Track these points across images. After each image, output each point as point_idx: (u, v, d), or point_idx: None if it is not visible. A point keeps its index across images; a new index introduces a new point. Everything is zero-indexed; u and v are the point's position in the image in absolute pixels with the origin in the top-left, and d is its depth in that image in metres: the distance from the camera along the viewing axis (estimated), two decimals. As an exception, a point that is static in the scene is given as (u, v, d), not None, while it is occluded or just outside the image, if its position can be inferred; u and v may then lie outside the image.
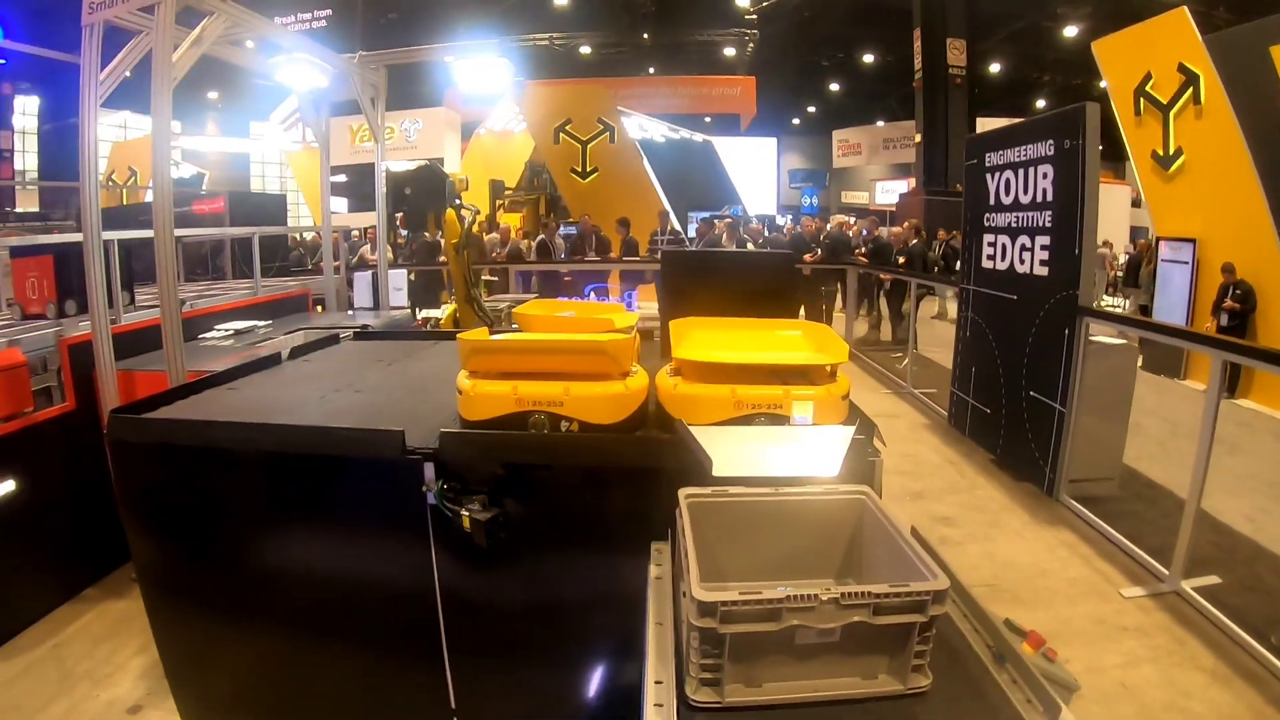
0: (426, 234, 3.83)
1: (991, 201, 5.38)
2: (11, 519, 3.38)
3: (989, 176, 5.39)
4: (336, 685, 2.20)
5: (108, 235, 3.90)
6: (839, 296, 10.33)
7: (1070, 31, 16.74)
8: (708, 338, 2.17)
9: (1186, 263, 8.14)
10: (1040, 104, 21.74)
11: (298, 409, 2.39)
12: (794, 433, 1.75)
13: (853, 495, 1.52)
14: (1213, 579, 3.69)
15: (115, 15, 3.64)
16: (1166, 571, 3.71)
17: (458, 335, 2.05)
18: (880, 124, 24.80)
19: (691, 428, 1.68)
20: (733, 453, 1.62)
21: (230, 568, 2.22)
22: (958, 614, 1.46)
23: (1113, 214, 14.17)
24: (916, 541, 1.30)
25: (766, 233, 12.01)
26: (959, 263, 8.59)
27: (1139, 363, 7.34)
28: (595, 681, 1.91)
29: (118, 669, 3.09)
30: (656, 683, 1.18)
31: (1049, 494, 4.69)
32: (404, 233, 8.25)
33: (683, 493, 1.49)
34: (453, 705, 2.04)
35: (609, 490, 1.84)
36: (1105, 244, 9.65)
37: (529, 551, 1.88)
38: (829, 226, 11.79)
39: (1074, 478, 4.63)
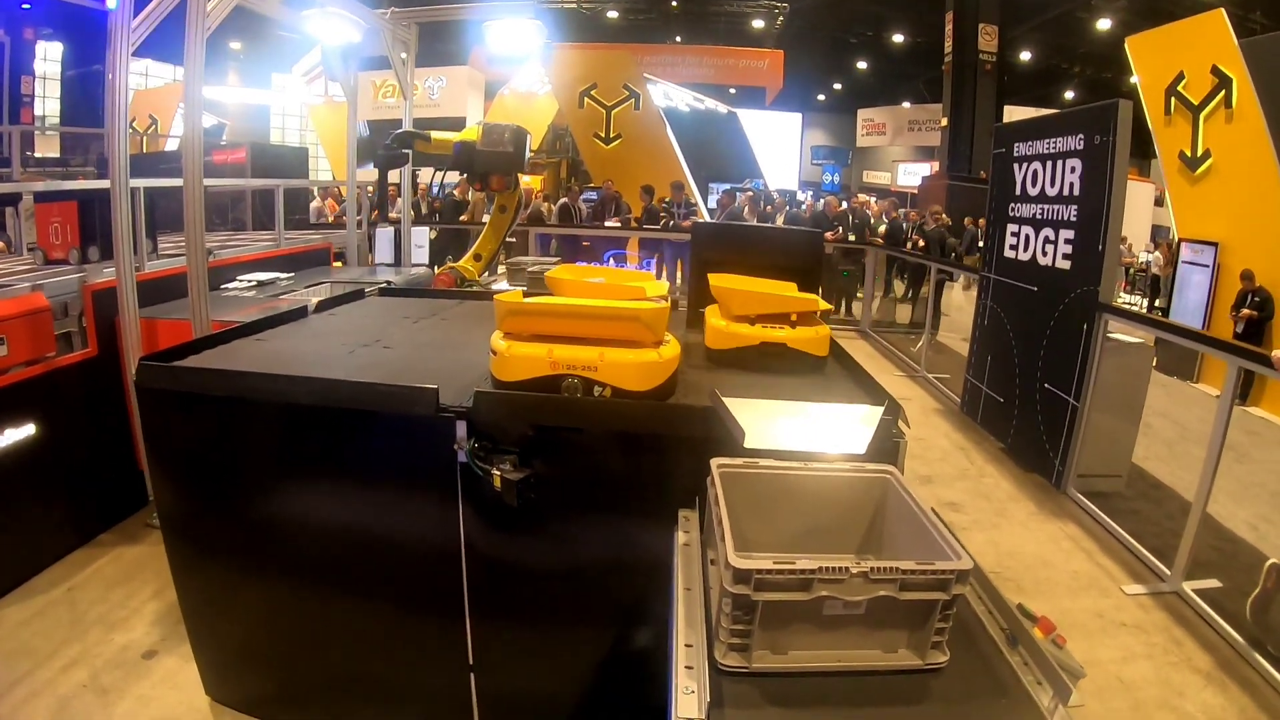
0: (456, 192, 3.82)
1: (1017, 191, 5.33)
2: (30, 462, 3.40)
3: (1016, 166, 5.34)
4: (355, 638, 2.26)
5: (134, 183, 3.89)
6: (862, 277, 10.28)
7: (1103, 24, 16.44)
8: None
9: (1207, 266, 8.07)
10: (1069, 95, 21.42)
11: (327, 362, 2.42)
12: (824, 409, 1.78)
13: (878, 474, 1.55)
14: (1213, 582, 3.71)
15: (148, -38, 3.60)
16: (1168, 571, 3.74)
17: (495, 296, 2.06)
18: (906, 105, 24.49)
19: (731, 400, 1.71)
20: (764, 425, 1.64)
21: (255, 518, 2.27)
22: (973, 596, 1.49)
23: (1135, 211, 14.02)
24: (940, 522, 1.33)
25: (788, 208, 11.94)
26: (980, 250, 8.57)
27: (1153, 363, 7.33)
28: (614, 643, 1.96)
29: (132, 614, 3.13)
30: (686, 646, 1.22)
31: (1056, 486, 4.71)
32: (436, 191, 8.19)
33: (715, 462, 1.52)
34: (470, 661, 2.09)
35: (638, 456, 1.88)
36: (1122, 240, 9.60)
37: (555, 513, 1.92)
38: (843, 206, 11.70)
39: (1082, 472, 4.64)
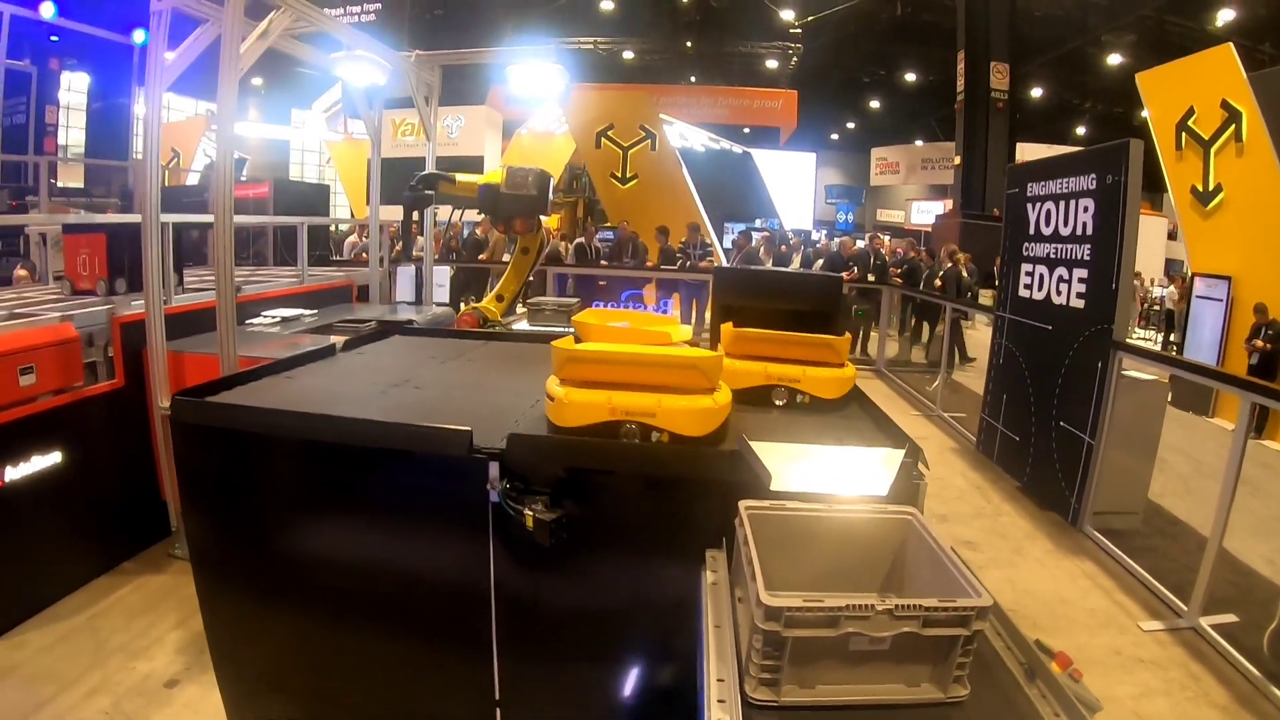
0: (478, 230, 3.90)
1: (1031, 231, 5.40)
2: (56, 490, 3.47)
3: (1030, 206, 5.41)
4: (381, 671, 2.28)
5: (164, 218, 4.01)
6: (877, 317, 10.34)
7: (1114, 60, 16.65)
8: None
9: (1221, 300, 8.10)
10: (1080, 131, 21.61)
11: (358, 401, 2.47)
12: (846, 452, 1.82)
13: (900, 515, 1.59)
14: (1230, 617, 3.71)
15: (184, 3, 3.75)
16: (1185, 607, 3.74)
17: (552, 344, 2.11)
18: (919, 144, 24.75)
19: (757, 444, 1.75)
20: (788, 468, 1.68)
21: (285, 552, 2.30)
22: (991, 631, 1.52)
23: (1149, 246, 14.05)
24: (960, 561, 1.36)
25: (804, 247, 12.04)
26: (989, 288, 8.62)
27: (1168, 398, 7.30)
28: (640, 680, 1.98)
29: (154, 643, 3.17)
30: (719, 680, 1.25)
31: (1073, 524, 4.70)
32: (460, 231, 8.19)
33: (744, 504, 1.56)
34: (497, 697, 2.11)
35: (665, 499, 1.91)
36: (1135, 276, 9.64)
37: (585, 553, 1.95)
38: (859, 245, 11.79)
39: (1098, 510, 4.64)
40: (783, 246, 11.57)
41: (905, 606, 1.19)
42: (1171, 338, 11.90)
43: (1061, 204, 4.97)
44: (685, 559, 1.74)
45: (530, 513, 1.84)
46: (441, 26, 19.06)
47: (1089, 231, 4.67)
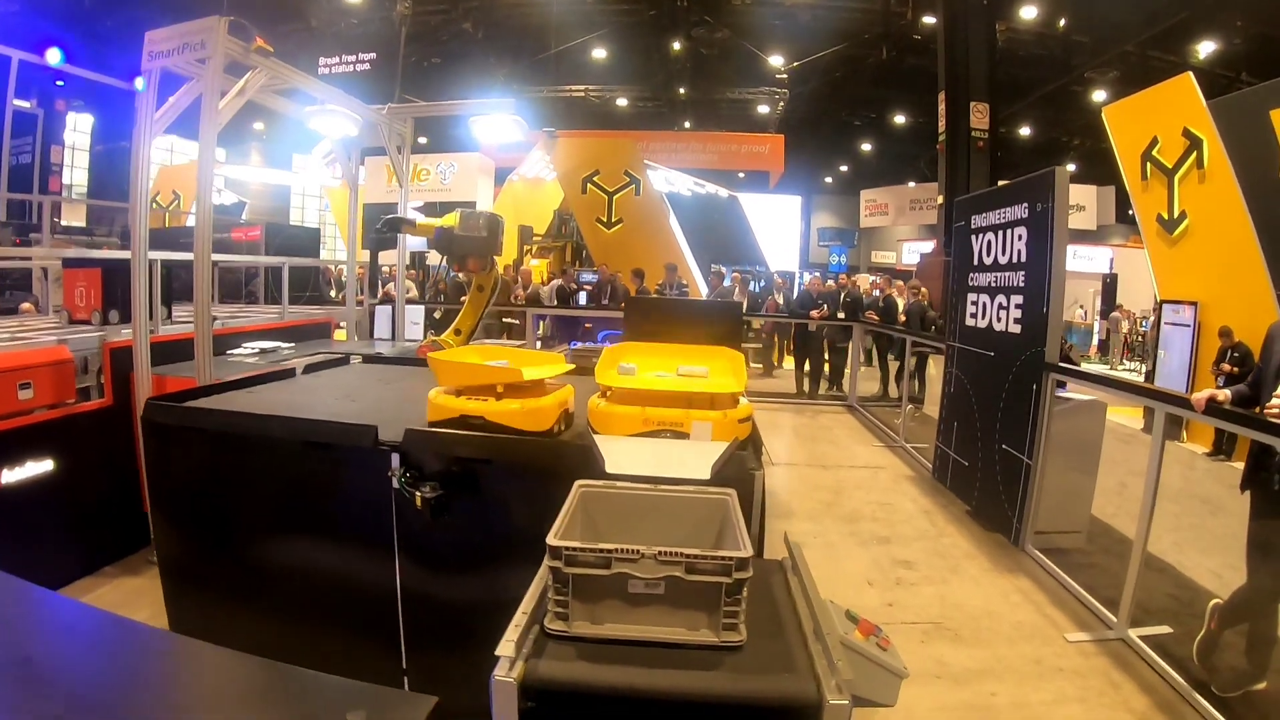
0: (461, 274, 4.22)
1: (975, 262, 5.65)
2: (46, 495, 3.79)
3: (973, 238, 5.68)
4: (319, 656, 2.55)
5: (153, 255, 4.37)
6: (849, 354, 10.57)
7: (1099, 96, 17.01)
8: (634, 362, 2.52)
9: (1188, 325, 8.26)
10: (1070, 167, 21.93)
11: (301, 409, 2.79)
12: (680, 444, 2.07)
13: (719, 496, 1.82)
14: (1163, 629, 3.81)
15: (171, 64, 4.15)
16: (1115, 619, 3.84)
17: (428, 356, 2.46)
18: (911, 185, 25.20)
19: (601, 437, 2.01)
20: (628, 456, 1.93)
21: (229, 538, 2.62)
22: (801, 599, 1.71)
23: (1136, 279, 14.21)
24: (744, 527, 1.59)
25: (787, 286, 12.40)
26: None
27: (1130, 423, 7.42)
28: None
29: (124, 635, 3.42)
30: (523, 614, 1.49)
31: (1015, 544, 4.85)
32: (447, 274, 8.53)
33: (579, 483, 1.82)
34: (404, 665, 2.36)
35: (533, 483, 2.18)
36: (1081, 305, 9.76)
37: (468, 530, 2.24)
38: (831, 284, 12.17)
39: (1041, 529, 4.79)
40: (766, 286, 11.95)
41: (669, 553, 1.42)
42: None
43: (1000, 234, 5.24)
44: (542, 533, 1.99)
45: (418, 494, 2.12)
46: (436, 74, 19.79)
47: (1023, 259, 4.92)
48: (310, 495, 2.47)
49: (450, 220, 4.37)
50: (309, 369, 3.91)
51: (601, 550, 1.41)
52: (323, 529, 2.46)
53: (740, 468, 2.04)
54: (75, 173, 13.48)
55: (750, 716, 1.35)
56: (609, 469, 1.87)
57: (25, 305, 6.18)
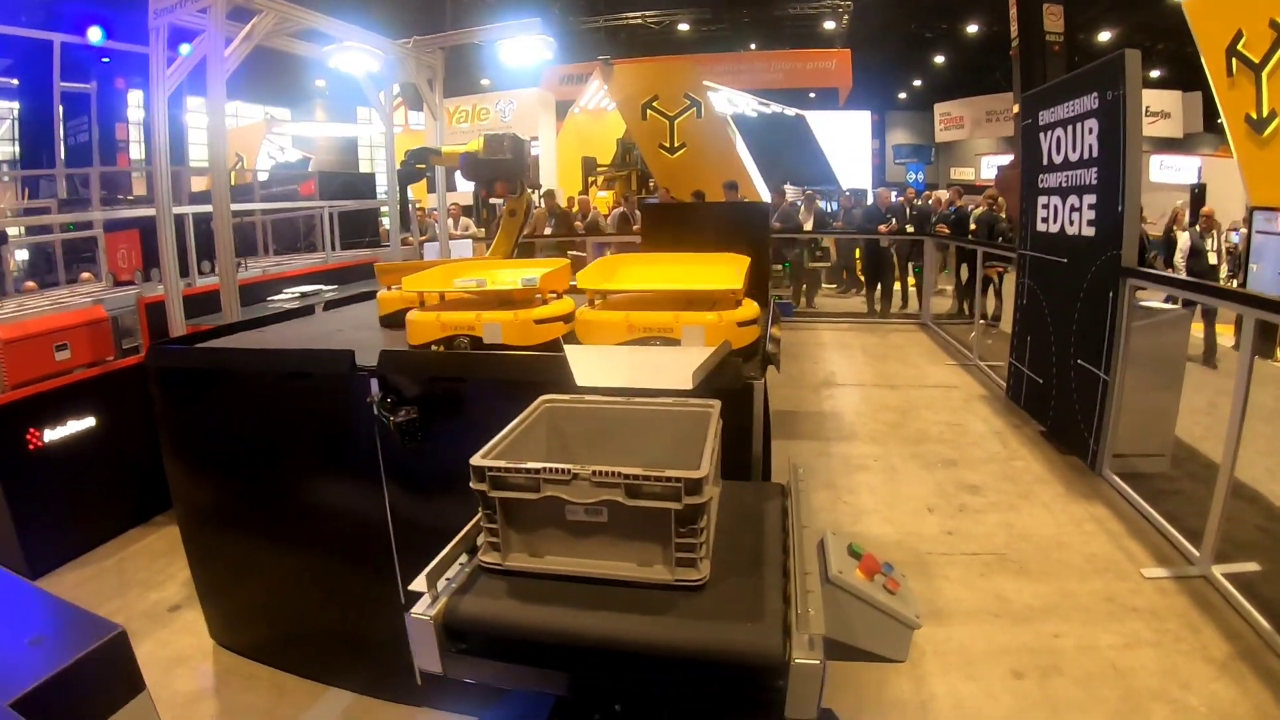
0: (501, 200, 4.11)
1: (1045, 161, 5.11)
2: (92, 450, 3.88)
3: (1042, 136, 5.13)
4: (317, 589, 2.51)
5: (178, 210, 4.38)
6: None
7: None
8: (628, 271, 2.29)
9: (1280, 234, 7.39)
10: (1155, 74, 19.97)
11: (301, 343, 2.72)
12: (666, 351, 1.85)
13: (703, 408, 1.60)
14: (1251, 566, 3.38)
15: (176, 19, 4.06)
16: (1197, 553, 3.45)
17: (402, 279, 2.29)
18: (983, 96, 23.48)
19: (573, 347, 1.81)
20: (601, 367, 1.73)
21: (231, 480, 2.59)
22: (794, 534, 1.49)
23: (1227, 189, 12.95)
24: (713, 444, 1.36)
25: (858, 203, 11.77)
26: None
27: (1221, 340, 6.75)
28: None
29: (169, 578, 3.52)
30: (454, 544, 1.33)
31: (1092, 468, 4.45)
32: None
33: (544, 398, 1.63)
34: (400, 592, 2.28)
35: (507, 400, 2.01)
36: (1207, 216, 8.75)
37: (451, 452, 2.10)
38: (896, 198, 11.47)
39: (1120, 452, 4.36)
40: (823, 203, 11.35)
41: (605, 473, 1.21)
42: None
43: (1069, 128, 4.68)
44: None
45: (392, 419, 1.99)
46: (488, 11, 19.32)
47: (1094, 154, 4.38)
48: (300, 427, 2.40)
49: (474, 145, 4.20)
50: (329, 305, 3.86)
51: (528, 470, 1.22)
52: (317, 460, 2.40)
53: (734, 377, 1.80)
54: (141, 147, 13.96)
55: (700, 671, 1.14)
56: (579, 381, 1.68)
57: (85, 275, 6.39)
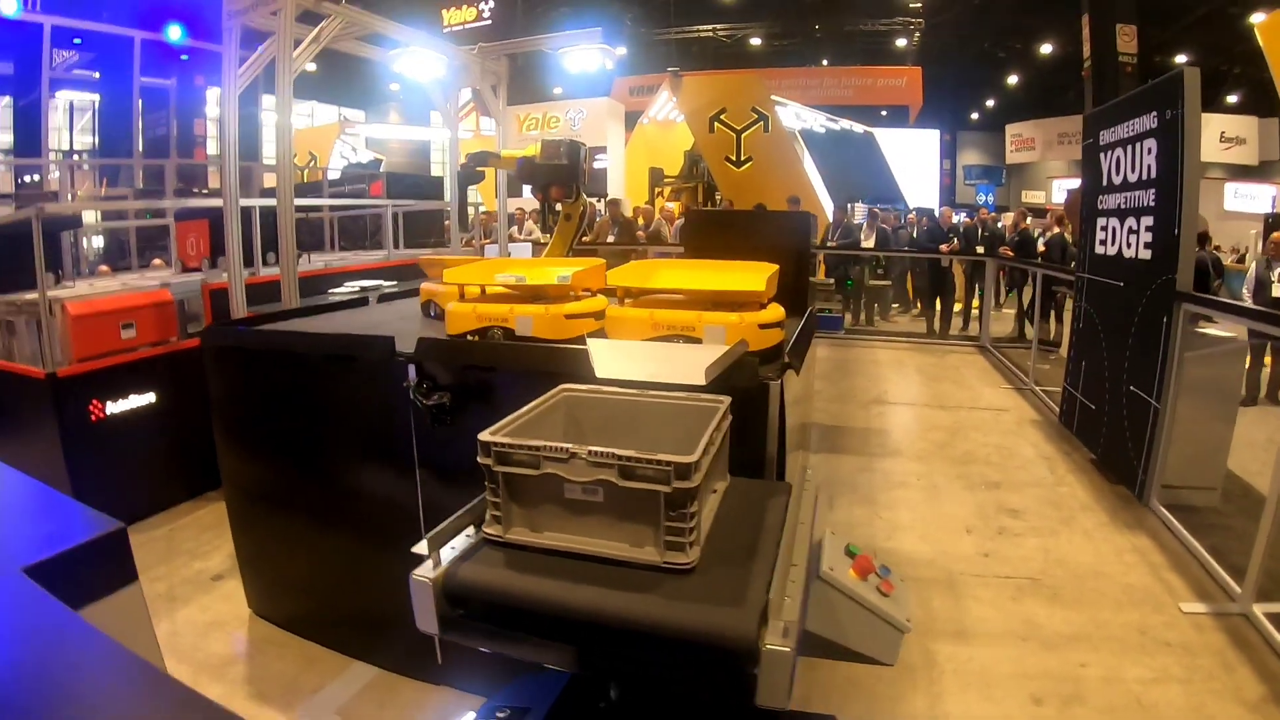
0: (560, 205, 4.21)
1: (1104, 182, 4.99)
2: (152, 425, 4.11)
3: (1102, 155, 5.00)
4: (350, 566, 2.63)
5: (245, 203, 4.62)
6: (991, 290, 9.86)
7: (1259, 19, 14.60)
8: (658, 273, 2.37)
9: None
10: (1231, 99, 19.10)
11: (349, 329, 2.85)
12: (685, 348, 1.91)
13: (710, 403, 1.64)
14: (1293, 606, 3.23)
15: (249, 20, 4.29)
16: (1239, 590, 3.31)
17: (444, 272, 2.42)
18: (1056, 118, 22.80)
19: (595, 340, 1.88)
20: (620, 360, 1.79)
21: (275, 457, 2.74)
22: (791, 529, 1.52)
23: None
24: (713, 435, 1.41)
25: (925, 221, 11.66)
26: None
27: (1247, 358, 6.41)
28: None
29: (215, 549, 3.71)
30: (460, 514, 1.41)
31: (1139, 498, 4.32)
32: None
33: (562, 386, 1.71)
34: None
35: (536, 390, 2.09)
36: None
37: (474, 433, 2.21)
38: (958, 220, 11.32)
39: (1169, 483, 4.22)
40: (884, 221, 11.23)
41: (601, 453, 1.27)
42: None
43: (1129, 148, 4.56)
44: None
45: (424, 401, 2.10)
46: (559, 21, 19.63)
47: (1153, 175, 4.27)
48: (341, 409, 2.53)
49: (531, 150, 4.33)
50: (383, 298, 4.03)
51: (530, 448, 1.29)
52: (355, 442, 2.53)
53: (750, 376, 1.85)
54: (217, 142, 14.63)
55: (679, 649, 1.18)
56: (598, 373, 1.75)
57: (156, 261, 6.74)
